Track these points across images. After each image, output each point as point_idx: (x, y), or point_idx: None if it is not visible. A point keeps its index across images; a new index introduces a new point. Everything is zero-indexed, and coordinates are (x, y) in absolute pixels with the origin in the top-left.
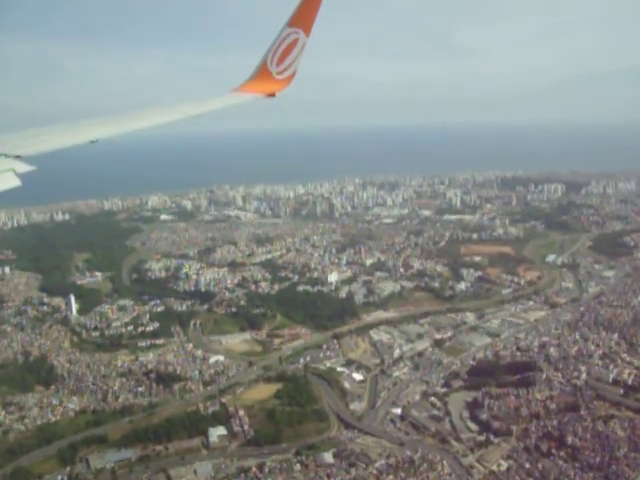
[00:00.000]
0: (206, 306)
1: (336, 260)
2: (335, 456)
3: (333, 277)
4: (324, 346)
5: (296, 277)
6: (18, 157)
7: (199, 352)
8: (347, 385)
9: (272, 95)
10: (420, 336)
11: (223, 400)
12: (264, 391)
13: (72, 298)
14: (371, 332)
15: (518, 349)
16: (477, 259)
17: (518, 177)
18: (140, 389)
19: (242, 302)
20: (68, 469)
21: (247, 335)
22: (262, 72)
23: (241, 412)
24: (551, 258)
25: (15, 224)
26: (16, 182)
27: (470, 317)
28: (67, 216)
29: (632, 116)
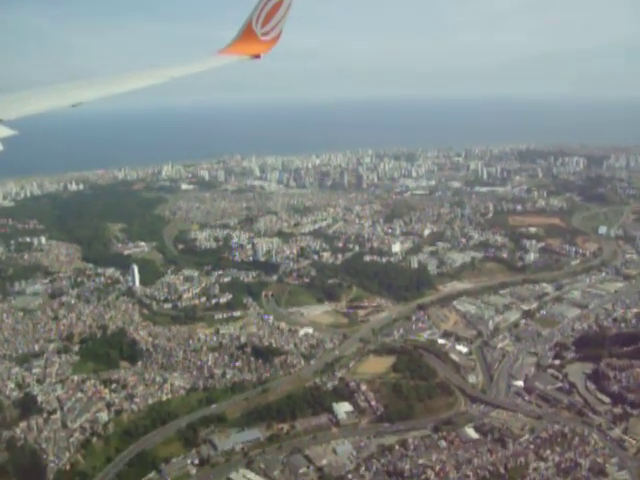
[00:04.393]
0: (274, 277)
1: (389, 230)
2: (477, 431)
3: (397, 247)
4: (413, 318)
5: (357, 247)
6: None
7: (282, 324)
8: (455, 357)
9: (257, 56)
10: (507, 307)
11: (338, 374)
12: (378, 364)
13: (135, 269)
14: (455, 303)
15: (614, 320)
16: (532, 230)
17: (532, 150)
18: (237, 364)
19: (312, 273)
20: (194, 451)
21: (326, 306)
22: (247, 33)
23: (363, 387)
24: (603, 230)
25: (28, 194)
26: None
27: (548, 288)
28: (81, 186)
29: (598, 92)
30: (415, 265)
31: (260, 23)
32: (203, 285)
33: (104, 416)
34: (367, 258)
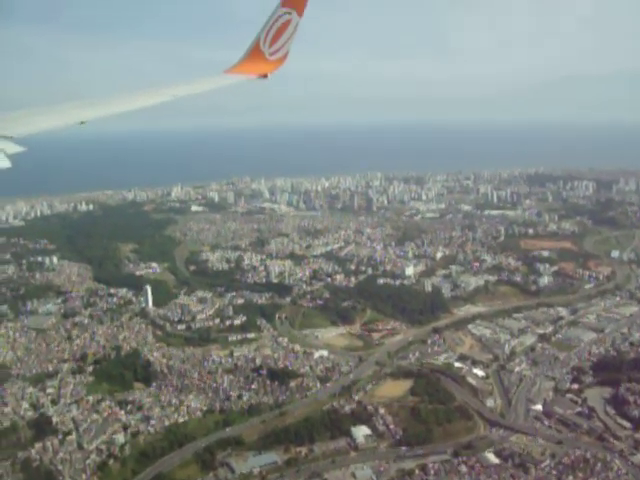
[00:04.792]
0: (288, 299)
1: (402, 253)
2: (497, 456)
3: (410, 270)
4: (428, 341)
5: (369, 270)
6: (8, 138)
7: (297, 347)
8: (472, 381)
9: (264, 76)
10: (522, 331)
11: (355, 397)
12: (395, 388)
13: (149, 289)
14: (470, 327)
15: (631, 344)
16: (545, 254)
17: (541, 174)
18: (253, 386)
19: (326, 295)
20: (211, 474)
21: (341, 329)
22: (254, 53)
23: (382, 410)
24: (615, 254)
25: (38, 214)
26: (6, 163)
27: (563, 312)
28: (91, 206)
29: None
30: (429, 288)
31: (268, 42)
32: (217, 307)
33: (120, 438)
34: (380, 281)
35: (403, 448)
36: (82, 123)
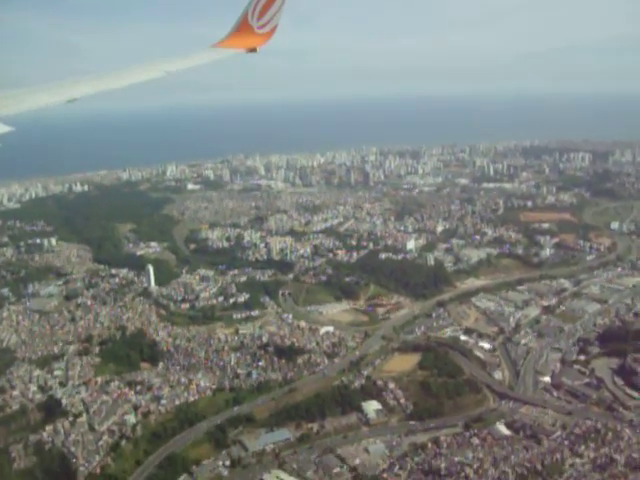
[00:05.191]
0: (290, 275)
1: (401, 228)
2: (508, 428)
3: (411, 244)
4: (433, 315)
5: (371, 245)
6: None
7: (302, 323)
8: (480, 354)
9: (253, 50)
10: (526, 303)
11: (364, 372)
12: (404, 362)
13: (151, 269)
14: (474, 300)
15: (636, 315)
16: (545, 226)
17: (536, 146)
18: (261, 364)
19: (328, 271)
20: (224, 453)
21: (345, 305)
22: (243, 26)
23: (391, 385)
24: (615, 225)
25: (33, 195)
26: None
27: (566, 283)
28: (86, 187)
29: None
30: (431, 262)
31: (256, 16)
32: (219, 285)
33: (132, 418)
34: (382, 255)
35: (414, 422)
36: (71, 101)
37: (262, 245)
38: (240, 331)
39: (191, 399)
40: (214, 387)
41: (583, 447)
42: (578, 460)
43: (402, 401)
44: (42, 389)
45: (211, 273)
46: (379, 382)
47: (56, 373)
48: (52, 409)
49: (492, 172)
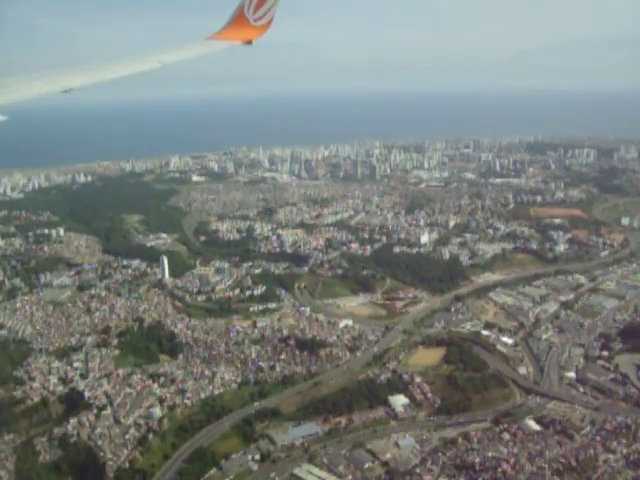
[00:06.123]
0: (305, 268)
1: (413, 222)
2: (538, 423)
3: (425, 238)
4: (452, 309)
5: (384, 238)
6: None
7: (320, 316)
8: (502, 349)
9: (249, 42)
10: (544, 298)
11: (389, 366)
12: (428, 356)
13: (165, 260)
14: (491, 294)
15: None
16: (557, 221)
17: (540, 142)
18: (282, 357)
19: (343, 264)
20: (253, 447)
21: (362, 298)
22: (239, 19)
23: (418, 379)
24: (626, 221)
25: (36, 186)
26: None
27: (582, 279)
28: (89, 178)
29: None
30: (446, 256)
31: (252, 9)
32: (235, 277)
33: (157, 411)
34: (396, 249)
35: (443, 417)
36: (66, 91)
37: (274, 237)
38: (258, 324)
39: (216, 392)
40: (238, 380)
41: (615, 443)
42: (611, 456)
43: (429, 395)
44: (63, 381)
45: (226, 265)
46: (405, 376)
47: (76, 365)
48: (74, 401)
49: (498, 167)
